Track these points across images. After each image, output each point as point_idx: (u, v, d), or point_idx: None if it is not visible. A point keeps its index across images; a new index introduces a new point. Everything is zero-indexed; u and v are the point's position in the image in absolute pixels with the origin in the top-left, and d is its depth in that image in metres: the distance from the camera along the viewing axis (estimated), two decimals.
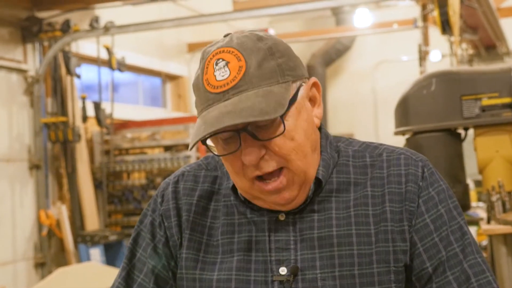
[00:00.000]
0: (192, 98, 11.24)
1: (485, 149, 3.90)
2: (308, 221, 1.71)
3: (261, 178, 1.65)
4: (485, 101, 3.83)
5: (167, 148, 8.59)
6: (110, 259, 7.93)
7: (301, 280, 1.68)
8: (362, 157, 1.78)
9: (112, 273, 6.56)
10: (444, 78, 3.98)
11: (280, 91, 1.60)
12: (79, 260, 7.69)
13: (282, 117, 1.60)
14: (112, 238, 7.88)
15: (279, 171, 1.65)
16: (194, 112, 10.28)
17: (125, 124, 8.84)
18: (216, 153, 1.68)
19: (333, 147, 1.79)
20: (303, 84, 1.68)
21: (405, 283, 1.72)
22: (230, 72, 1.60)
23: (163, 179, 8.26)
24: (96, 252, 7.75)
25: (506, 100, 3.80)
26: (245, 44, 1.63)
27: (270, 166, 1.63)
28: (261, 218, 1.73)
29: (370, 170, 1.75)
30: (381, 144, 1.82)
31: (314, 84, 1.73)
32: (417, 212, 1.70)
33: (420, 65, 7.79)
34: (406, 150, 1.80)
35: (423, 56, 7.83)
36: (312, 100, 1.72)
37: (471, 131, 4.10)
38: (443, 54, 10.31)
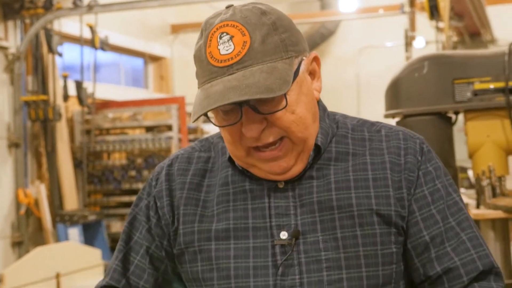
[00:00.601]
0: (174, 79, 11.23)
1: (476, 134, 3.86)
2: (307, 187, 1.73)
3: (257, 147, 1.67)
4: (478, 85, 3.78)
5: (149, 129, 8.53)
6: (88, 239, 7.87)
7: (303, 243, 1.70)
8: (361, 131, 1.82)
9: (91, 253, 6.50)
10: (437, 61, 3.93)
11: (284, 67, 1.62)
12: (57, 239, 7.61)
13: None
14: (91, 218, 7.82)
15: (278, 140, 1.67)
16: (176, 93, 10.28)
17: (107, 104, 8.76)
18: (215, 123, 1.69)
19: (331, 119, 1.82)
20: (304, 58, 1.70)
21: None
22: (234, 47, 1.61)
23: (144, 160, 8.26)
24: (74, 232, 7.67)
25: (498, 84, 3.75)
26: (249, 19, 1.64)
27: (270, 137, 1.65)
28: (260, 186, 1.75)
29: (368, 143, 1.79)
30: (377, 122, 1.86)
31: (315, 58, 1.75)
32: (417, 182, 1.74)
33: (406, 50, 7.76)
34: (404, 128, 1.85)
35: (409, 42, 7.79)
36: (312, 74, 1.75)
37: (461, 115, 4.05)
38: (426, 41, 10.30)
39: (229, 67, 1.60)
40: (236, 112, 1.63)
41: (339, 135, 1.80)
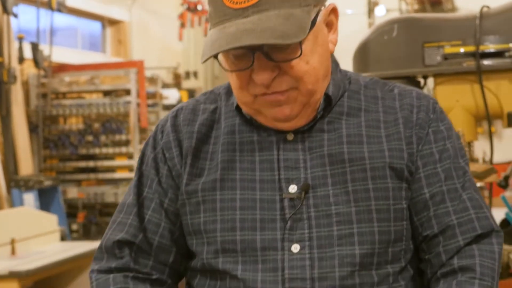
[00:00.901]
0: (133, 44, 11.07)
1: (445, 98, 3.79)
2: (317, 140, 1.68)
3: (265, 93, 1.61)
4: (448, 49, 3.71)
5: (106, 93, 8.38)
6: (44, 205, 7.73)
7: (313, 197, 1.65)
8: (373, 89, 1.77)
9: (47, 219, 6.38)
10: (407, 24, 3.85)
11: (302, 15, 1.56)
12: (12, 205, 7.46)
13: (300, 40, 1.54)
14: (47, 183, 7.67)
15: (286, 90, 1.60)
16: (134, 58, 10.14)
17: (63, 67, 8.59)
18: (224, 67, 1.63)
19: (343, 74, 1.77)
20: (322, 8, 1.65)
21: None
22: None
23: (102, 125, 8.12)
24: (30, 197, 7.53)
25: (469, 48, 3.68)
26: None
27: (280, 86, 1.59)
28: (268, 138, 1.69)
29: (381, 101, 1.74)
30: (389, 82, 1.82)
31: (333, 10, 1.71)
32: (426, 139, 1.69)
33: (369, 16, 7.70)
34: (417, 88, 1.81)
35: (372, 8, 7.73)
36: (329, 25, 1.70)
37: (430, 80, 3.99)
38: (387, 9, 10.27)
39: (244, 10, 1.54)
40: (248, 57, 1.57)
41: (352, 91, 1.75)
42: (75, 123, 8.44)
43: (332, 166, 1.66)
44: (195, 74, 9.89)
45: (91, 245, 5.97)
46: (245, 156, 1.70)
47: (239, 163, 1.70)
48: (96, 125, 8.22)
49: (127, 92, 8.16)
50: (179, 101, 9.08)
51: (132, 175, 7.66)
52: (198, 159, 1.73)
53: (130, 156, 7.91)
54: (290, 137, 1.68)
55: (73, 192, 8.14)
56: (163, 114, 8.37)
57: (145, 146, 1.83)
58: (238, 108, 1.73)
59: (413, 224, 1.70)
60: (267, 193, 1.66)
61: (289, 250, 1.64)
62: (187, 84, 9.94)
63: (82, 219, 7.94)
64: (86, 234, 7.86)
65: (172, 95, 9.10)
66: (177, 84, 10.15)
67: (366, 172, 1.65)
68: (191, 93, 9.64)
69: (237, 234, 1.66)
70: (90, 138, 8.17)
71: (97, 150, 8.09)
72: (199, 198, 1.70)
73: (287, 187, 1.66)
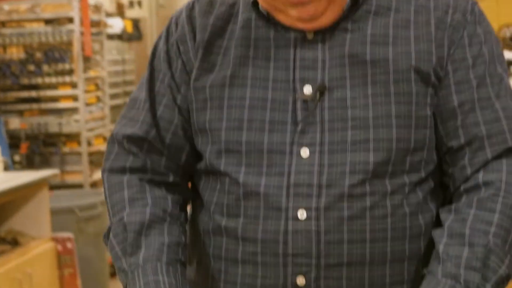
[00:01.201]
0: None
1: None
2: (339, 40, 1.54)
3: None
4: None
5: (48, 22, 8.13)
6: None
7: (328, 99, 1.52)
8: None
9: None
10: None
11: None
12: None
13: None
14: None
15: None
16: None
17: None
18: None
19: None
20: None
21: None
22: None
23: (44, 54, 7.89)
24: None
25: None
26: None
27: None
28: (286, 35, 1.56)
29: (414, 1, 1.57)
30: None
31: None
32: (459, 42, 1.53)
33: None
34: None
35: None
36: None
37: None
38: None
39: None
40: None
41: None
42: (16, 53, 8.19)
43: (352, 67, 1.53)
44: (139, 3, 9.69)
45: (36, 175, 5.84)
46: (259, 53, 1.58)
47: (253, 60, 1.58)
48: (38, 55, 7.98)
49: (70, 20, 7.93)
50: (123, 30, 8.89)
51: (77, 104, 7.54)
52: (211, 53, 1.61)
53: (74, 85, 7.72)
54: (310, 35, 1.55)
55: (15, 123, 7.93)
56: (108, 43, 8.21)
57: (157, 40, 1.71)
58: (254, 3, 1.59)
59: (438, 134, 1.56)
60: (280, 93, 1.55)
61: (298, 154, 1.53)
62: (130, 13, 9.72)
63: (25, 150, 7.77)
64: (29, 164, 7.70)
65: (116, 24, 8.89)
66: (120, 13, 9.91)
67: (388, 74, 1.52)
68: (135, 22, 9.43)
69: (243, 134, 1.56)
70: (31, 67, 7.93)
71: (39, 80, 7.87)
72: (206, 95, 1.60)
73: (302, 88, 1.54)
